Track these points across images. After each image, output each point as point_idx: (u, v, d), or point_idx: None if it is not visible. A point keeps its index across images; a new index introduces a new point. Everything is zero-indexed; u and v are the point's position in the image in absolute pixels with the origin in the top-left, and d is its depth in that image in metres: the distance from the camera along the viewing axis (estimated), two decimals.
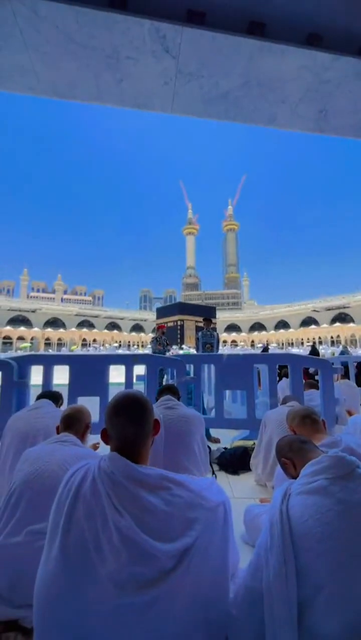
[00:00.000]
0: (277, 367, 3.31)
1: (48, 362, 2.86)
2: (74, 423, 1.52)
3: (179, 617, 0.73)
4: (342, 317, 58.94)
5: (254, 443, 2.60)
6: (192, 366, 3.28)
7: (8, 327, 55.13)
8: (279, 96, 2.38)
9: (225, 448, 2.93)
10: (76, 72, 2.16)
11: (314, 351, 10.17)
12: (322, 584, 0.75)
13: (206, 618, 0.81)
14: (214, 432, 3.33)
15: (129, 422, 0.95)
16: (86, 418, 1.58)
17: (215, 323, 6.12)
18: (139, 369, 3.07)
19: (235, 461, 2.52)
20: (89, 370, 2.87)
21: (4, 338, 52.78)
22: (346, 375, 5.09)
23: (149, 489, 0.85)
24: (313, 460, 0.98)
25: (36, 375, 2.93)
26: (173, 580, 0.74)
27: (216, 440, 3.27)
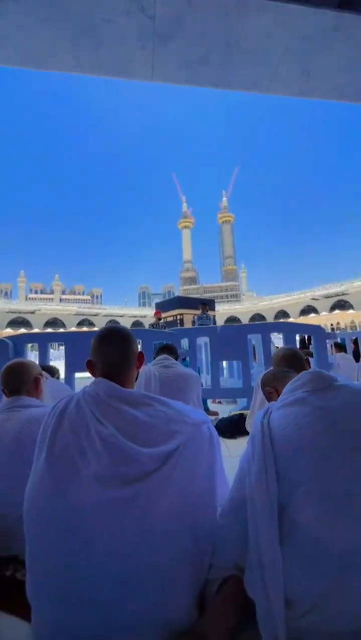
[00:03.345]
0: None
1: (43, 340, 2.89)
2: (20, 384, 1.26)
3: (164, 516, 0.76)
4: (341, 305, 58.95)
5: None
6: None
7: (8, 329, 55.13)
8: (260, 58, 2.36)
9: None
10: (53, 39, 2.14)
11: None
12: (300, 481, 0.77)
13: (194, 529, 0.84)
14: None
15: (113, 348, 0.98)
16: (31, 372, 1.33)
17: (209, 309, 6.10)
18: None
19: (232, 426, 2.57)
20: (83, 347, 2.87)
21: None
22: (343, 350, 5.14)
23: (132, 405, 0.88)
24: (292, 379, 1.01)
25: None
26: (156, 480, 0.77)
27: (214, 413, 3.32)
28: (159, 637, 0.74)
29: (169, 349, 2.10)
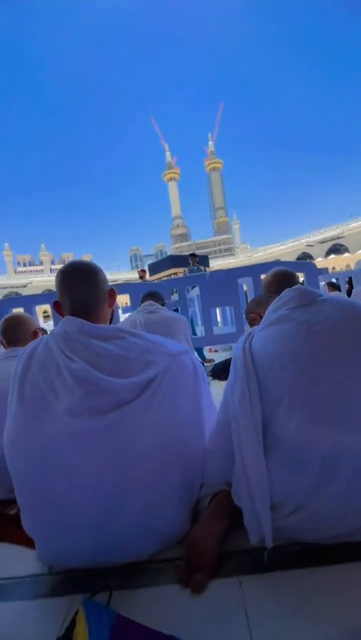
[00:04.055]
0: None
1: (28, 303, 2.80)
2: (18, 335, 1.30)
3: (147, 444, 0.74)
4: (337, 249, 57.78)
5: None
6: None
7: None
8: None
9: None
10: None
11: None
12: (282, 395, 0.75)
13: (182, 454, 0.84)
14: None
15: (79, 282, 0.90)
16: (30, 325, 1.38)
17: (199, 261, 5.94)
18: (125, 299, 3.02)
19: (226, 369, 2.60)
20: None
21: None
22: (338, 290, 5.11)
23: (103, 339, 0.82)
24: (275, 299, 0.94)
25: None
26: (133, 409, 0.74)
27: (210, 361, 3.37)
28: (155, 547, 0.78)
29: (154, 296, 2.03)
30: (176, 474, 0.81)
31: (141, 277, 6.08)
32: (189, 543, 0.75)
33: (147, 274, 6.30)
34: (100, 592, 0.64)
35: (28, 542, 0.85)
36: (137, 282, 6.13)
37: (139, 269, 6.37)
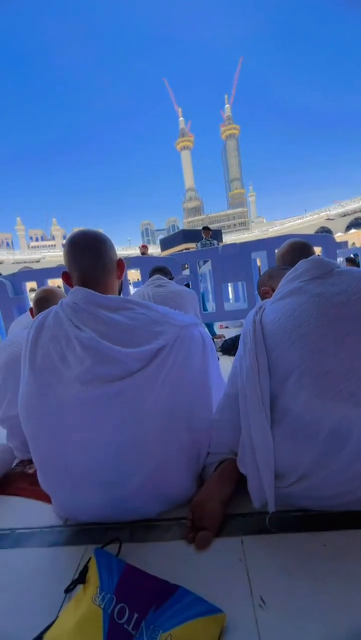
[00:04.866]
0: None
1: (41, 276, 2.83)
2: (47, 306, 1.44)
3: (155, 412, 0.76)
4: (359, 223, 54.61)
5: None
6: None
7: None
8: None
9: None
10: None
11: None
12: (293, 368, 0.73)
13: (189, 423, 0.86)
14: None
15: (87, 252, 0.87)
16: (59, 298, 1.47)
17: (212, 234, 5.68)
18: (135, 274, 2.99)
19: (236, 344, 2.60)
20: None
21: None
22: (356, 265, 4.91)
23: (112, 310, 0.82)
24: (290, 270, 0.90)
25: None
26: (141, 378, 0.75)
27: (220, 337, 3.37)
28: (162, 508, 0.83)
29: (162, 270, 2.00)
30: (183, 440, 0.84)
31: (143, 253, 5.89)
32: (195, 504, 0.79)
33: (149, 250, 6.04)
34: (110, 544, 0.69)
35: (45, 498, 0.92)
36: (144, 256, 6.00)
37: (141, 244, 6.15)
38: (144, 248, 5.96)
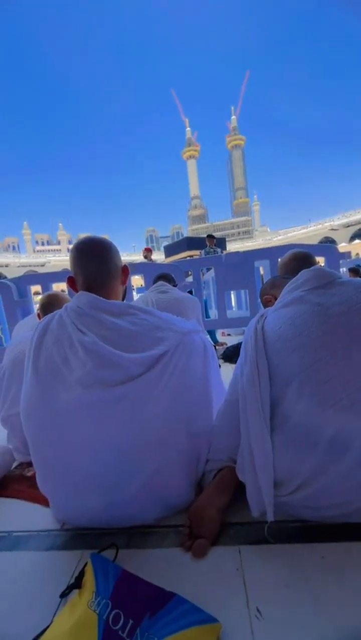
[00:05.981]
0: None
1: (45, 280, 2.86)
2: (53, 310, 1.49)
3: (155, 416, 0.76)
4: None
5: None
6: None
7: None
8: None
9: None
10: None
11: None
12: (293, 376, 0.74)
13: (189, 428, 0.86)
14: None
15: (92, 258, 0.90)
16: (63, 302, 1.53)
17: (216, 243, 5.67)
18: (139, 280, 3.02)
19: (238, 352, 2.60)
20: None
21: None
22: (359, 276, 4.92)
23: (115, 315, 0.83)
24: (292, 280, 0.91)
25: None
26: (142, 383, 0.75)
27: (222, 344, 3.37)
28: (160, 514, 0.82)
29: (166, 277, 2.03)
30: (182, 445, 0.84)
31: (145, 257, 5.80)
32: (193, 511, 0.79)
33: (152, 254, 5.88)
34: (107, 549, 0.69)
35: (43, 501, 0.92)
36: (148, 262, 5.92)
37: (144, 248, 5.97)
38: (147, 252, 5.83)
